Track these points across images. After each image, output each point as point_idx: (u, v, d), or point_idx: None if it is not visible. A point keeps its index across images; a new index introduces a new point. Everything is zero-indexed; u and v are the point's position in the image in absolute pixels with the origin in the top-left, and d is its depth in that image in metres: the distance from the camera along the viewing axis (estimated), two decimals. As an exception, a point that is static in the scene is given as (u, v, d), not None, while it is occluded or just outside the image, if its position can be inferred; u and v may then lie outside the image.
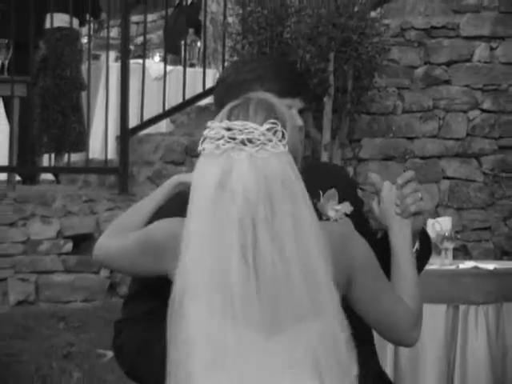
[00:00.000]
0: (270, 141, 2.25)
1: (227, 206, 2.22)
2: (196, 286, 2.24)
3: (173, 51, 8.51)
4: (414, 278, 2.48)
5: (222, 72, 2.95)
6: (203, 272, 2.24)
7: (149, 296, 2.55)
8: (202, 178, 2.26)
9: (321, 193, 2.64)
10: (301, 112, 2.63)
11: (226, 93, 2.57)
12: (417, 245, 2.63)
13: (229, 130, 2.25)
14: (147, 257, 2.39)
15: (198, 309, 2.24)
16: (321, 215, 2.63)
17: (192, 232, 2.25)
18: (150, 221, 2.51)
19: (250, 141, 2.24)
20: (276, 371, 2.23)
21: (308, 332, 2.24)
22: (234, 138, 2.23)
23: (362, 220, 2.71)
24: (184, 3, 9.02)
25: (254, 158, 2.23)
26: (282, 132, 2.27)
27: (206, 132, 2.28)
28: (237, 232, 2.22)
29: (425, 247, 2.69)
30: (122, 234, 2.49)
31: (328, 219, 2.64)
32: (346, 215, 2.64)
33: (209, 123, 2.28)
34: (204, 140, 2.27)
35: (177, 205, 2.38)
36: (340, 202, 2.65)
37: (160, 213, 2.52)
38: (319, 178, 2.68)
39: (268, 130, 2.26)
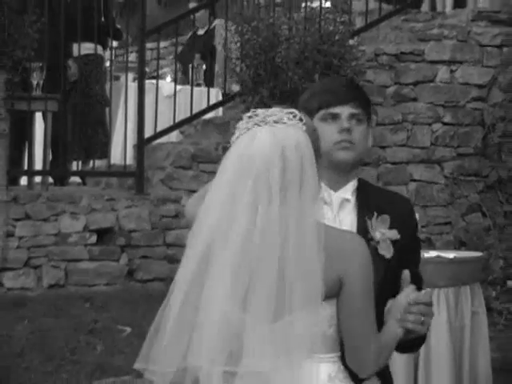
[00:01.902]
0: (290, 119, 2.23)
1: (245, 171, 2.17)
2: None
3: (187, 73, 8.52)
4: (390, 348, 2.38)
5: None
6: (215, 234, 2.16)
7: None
8: (229, 154, 2.21)
9: (375, 213, 2.58)
10: (353, 116, 2.61)
11: (299, 108, 2.58)
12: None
13: (253, 117, 2.24)
14: None
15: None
16: (366, 233, 2.56)
17: (211, 199, 2.20)
18: None
19: (271, 120, 2.22)
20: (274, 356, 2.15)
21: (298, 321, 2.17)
22: (257, 122, 2.23)
23: (409, 252, 2.60)
24: (198, 32, 8.98)
25: (273, 128, 2.21)
26: (301, 117, 2.24)
27: (237, 125, 2.26)
28: (249, 196, 2.15)
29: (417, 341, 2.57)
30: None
31: (372, 239, 2.56)
32: (392, 241, 2.56)
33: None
34: (235, 132, 2.25)
35: None
36: (391, 228, 2.57)
37: None
38: (385, 200, 2.63)
39: (287, 113, 2.24)
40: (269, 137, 2.19)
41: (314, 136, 2.27)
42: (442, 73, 7.72)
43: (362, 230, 2.56)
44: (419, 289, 2.55)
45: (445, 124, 7.71)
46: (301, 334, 2.15)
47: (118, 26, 8.44)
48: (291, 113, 2.24)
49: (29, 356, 5.57)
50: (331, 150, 2.57)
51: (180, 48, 9.16)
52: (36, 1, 6.88)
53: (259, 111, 2.25)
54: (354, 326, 2.29)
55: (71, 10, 7.27)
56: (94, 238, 6.83)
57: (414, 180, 7.60)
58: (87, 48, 7.62)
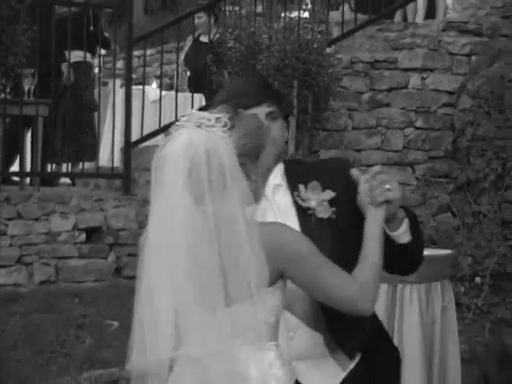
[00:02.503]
0: (213, 126, 2.23)
1: (160, 173, 2.22)
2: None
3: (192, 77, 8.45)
4: (372, 260, 2.35)
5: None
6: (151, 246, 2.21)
7: None
8: (156, 151, 2.28)
9: (301, 186, 2.59)
10: (269, 114, 2.63)
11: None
12: (408, 237, 2.52)
13: (186, 116, 2.27)
14: None
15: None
16: (301, 204, 2.57)
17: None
18: None
19: (193, 123, 2.24)
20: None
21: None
22: (184, 122, 2.25)
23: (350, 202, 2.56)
24: (201, 39, 8.84)
25: (191, 131, 2.22)
26: (226, 123, 2.24)
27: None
28: (164, 194, 2.20)
29: (415, 237, 2.57)
30: None
31: (309, 208, 2.57)
32: (329, 201, 2.57)
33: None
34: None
35: None
36: (324, 189, 2.57)
37: None
38: (314, 168, 2.64)
39: (214, 118, 2.25)
40: (184, 140, 2.20)
41: (251, 137, 2.29)
42: (414, 80, 7.75)
43: (298, 204, 2.58)
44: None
45: (417, 128, 7.74)
46: (246, 321, 2.18)
47: (107, 35, 8.41)
48: (218, 118, 2.25)
49: (21, 349, 5.56)
50: None
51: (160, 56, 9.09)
52: (28, 10, 6.85)
53: (192, 112, 2.28)
54: (323, 289, 2.30)
55: (62, 20, 7.25)
56: (83, 237, 6.81)
57: (388, 181, 7.62)
58: (77, 55, 7.61)
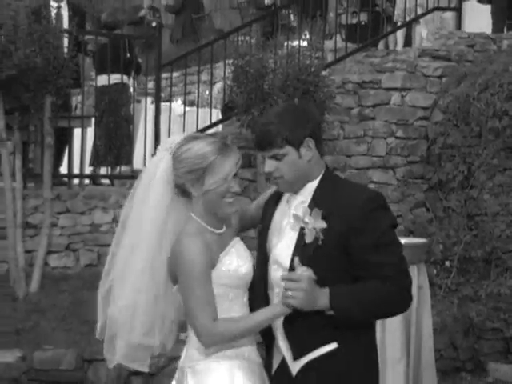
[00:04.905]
0: (166, 150, 2.49)
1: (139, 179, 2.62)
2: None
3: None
4: (240, 327, 2.37)
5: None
6: None
7: None
8: None
9: (308, 210, 2.49)
10: (272, 157, 2.53)
11: None
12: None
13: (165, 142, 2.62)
14: None
15: None
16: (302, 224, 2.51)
17: None
18: None
19: (165, 148, 2.53)
20: None
21: None
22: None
23: (352, 239, 2.46)
24: None
25: (159, 153, 2.53)
26: (172, 149, 2.46)
27: None
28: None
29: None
30: None
31: (303, 229, 2.49)
32: (322, 230, 2.47)
33: None
34: None
35: None
36: (327, 219, 2.46)
37: None
38: (338, 195, 2.48)
39: (169, 145, 2.50)
40: (153, 159, 2.53)
41: (186, 164, 2.44)
42: (395, 97, 7.76)
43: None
44: (377, 275, 2.57)
45: (397, 138, 7.76)
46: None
47: (140, 60, 8.44)
48: (170, 145, 2.48)
49: (69, 320, 5.59)
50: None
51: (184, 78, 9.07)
52: (75, 41, 6.88)
53: (171, 139, 2.53)
54: (188, 308, 2.38)
55: (103, 48, 7.29)
56: (120, 228, 6.84)
57: (374, 182, 7.64)
58: (116, 78, 7.64)
